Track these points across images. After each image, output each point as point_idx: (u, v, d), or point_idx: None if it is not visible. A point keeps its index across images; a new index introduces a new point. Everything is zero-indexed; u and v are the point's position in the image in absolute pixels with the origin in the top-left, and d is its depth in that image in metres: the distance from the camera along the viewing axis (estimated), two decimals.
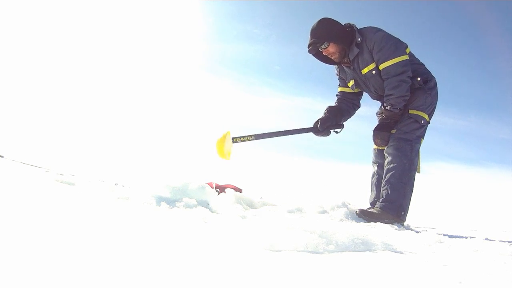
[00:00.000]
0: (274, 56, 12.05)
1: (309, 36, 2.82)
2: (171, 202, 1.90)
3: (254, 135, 2.92)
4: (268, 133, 2.97)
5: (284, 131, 2.99)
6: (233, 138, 2.84)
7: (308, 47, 2.84)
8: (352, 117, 3.19)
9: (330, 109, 3.09)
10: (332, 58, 2.91)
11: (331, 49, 2.84)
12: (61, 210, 1.35)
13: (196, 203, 1.96)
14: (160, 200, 1.90)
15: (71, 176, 2.63)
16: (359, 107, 3.19)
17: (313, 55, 2.92)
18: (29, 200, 1.45)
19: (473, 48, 10.53)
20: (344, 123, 3.12)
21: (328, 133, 3.06)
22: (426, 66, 2.92)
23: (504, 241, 1.87)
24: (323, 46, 2.82)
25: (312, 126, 3.03)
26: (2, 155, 3.22)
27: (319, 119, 3.03)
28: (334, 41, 2.79)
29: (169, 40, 11.14)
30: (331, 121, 3.04)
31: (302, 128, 3.03)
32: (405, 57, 2.71)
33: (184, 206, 1.87)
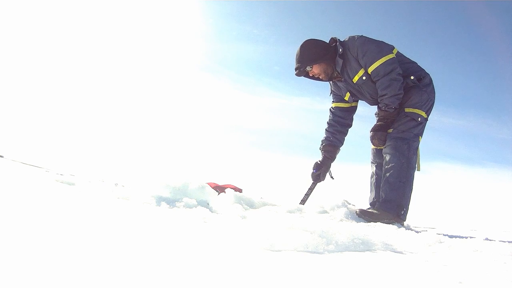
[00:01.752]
0: (274, 57, 12.08)
1: (295, 62, 2.92)
2: (171, 202, 1.90)
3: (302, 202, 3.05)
4: (304, 198, 3.07)
5: (306, 195, 3.09)
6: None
7: (295, 71, 2.93)
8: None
9: (327, 150, 3.16)
10: (320, 77, 2.98)
11: (315, 70, 2.92)
12: (61, 210, 1.35)
13: (196, 203, 1.96)
14: (160, 200, 1.90)
15: (71, 176, 2.63)
16: (351, 125, 3.25)
17: (303, 76, 2.99)
18: (29, 200, 1.45)
19: (472, 48, 10.54)
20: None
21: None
22: (418, 64, 2.92)
23: (504, 241, 1.87)
24: (307, 69, 2.90)
25: (313, 178, 3.13)
26: (2, 155, 3.22)
27: (319, 163, 3.13)
28: (315, 62, 2.87)
29: (169, 40, 11.15)
30: (329, 166, 3.15)
31: (311, 187, 3.12)
32: (391, 55, 2.73)
33: (184, 206, 1.87)
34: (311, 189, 3.10)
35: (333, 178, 3.18)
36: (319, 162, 3.15)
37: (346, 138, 3.23)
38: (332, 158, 3.17)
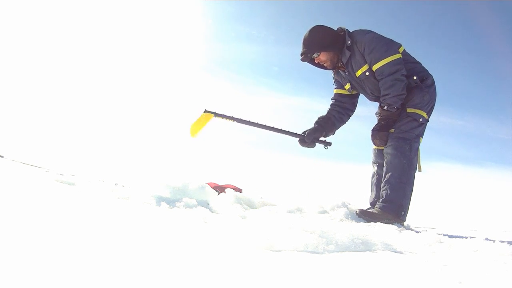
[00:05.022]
0: (273, 57, 12.07)
1: (301, 46, 2.87)
2: (171, 202, 1.90)
3: (237, 119, 2.93)
4: (253, 122, 2.95)
5: (271, 127, 2.98)
6: (214, 113, 2.89)
7: (300, 56, 2.88)
8: (345, 123, 3.16)
9: (319, 120, 3.08)
10: (325, 65, 2.95)
11: (322, 58, 2.88)
12: (61, 210, 1.35)
13: (196, 203, 1.96)
14: (160, 200, 1.90)
15: (71, 176, 2.62)
16: (353, 111, 3.17)
17: (307, 62, 2.95)
18: (29, 200, 1.45)
19: (471, 47, 10.54)
20: (331, 139, 3.10)
21: (313, 145, 3.04)
22: (422, 65, 2.91)
23: (504, 241, 1.86)
24: (314, 55, 2.86)
25: (300, 133, 3.01)
26: (2, 155, 3.22)
27: (307, 130, 3.03)
28: (324, 49, 2.83)
29: (168, 41, 11.15)
30: (319, 133, 3.03)
31: (290, 132, 3.01)
32: (398, 55, 2.71)
33: (184, 206, 1.87)
34: (288, 133, 2.96)
35: (325, 148, 3.04)
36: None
37: (347, 122, 3.13)
38: (320, 128, 3.02)
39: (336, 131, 3.14)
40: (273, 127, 2.99)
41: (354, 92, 3.13)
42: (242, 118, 2.95)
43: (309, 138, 2.99)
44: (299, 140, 3.05)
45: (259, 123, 2.97)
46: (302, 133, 3.02)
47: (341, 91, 3.15)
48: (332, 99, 3.19)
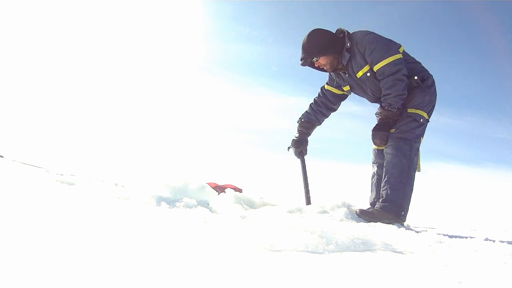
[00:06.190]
0: (272, 57, 12.09)
1: (301, 51, 2.91)
2: (171, 202, 1.90)
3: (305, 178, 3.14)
4: (306, 188, 3.12)
5: (304, 180, 3.16)
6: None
7: (300, 61, 2.93)
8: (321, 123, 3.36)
9: (305, 125, 3.27)
10: (325, 68, 2.98)
11: (322, 61, 2.92)
12: (61, 210, 1.35)
13: (196, 203, 1.96)
14: (160, 200, 1.90)
15: (71, 176, 2.63)
16: (335, 111, 3.32)
17: (308, 66, 2.99)
18: (29, 200, 1.45)
19: (471, 47, 10.55)
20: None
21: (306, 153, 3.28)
22: (422, 65, 2.91)
23: (504, 241, 1.86)
24: (314, 60, 2.89)
25: (297, 155, 3.24)
26: (2, 155, 3.22)
27: (298, 140, 3.23)
28: (323, 53, 2.86)
29: (168, 41, 11.17)
30: (307, 138, 3.29)
31: (303, 166, 3.21)
32: (399, 56, 2.71)
33: (184, 206, 1.87)
34: (305, 171, 3.17)
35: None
36: (296, 139, 3.26)
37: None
38: (309, 133, 3.28)
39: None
40: (305, 179, 3.17)
41: (346, 92, 3.19)
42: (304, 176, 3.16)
43: (306, 152, 3.25)
44: (297, 155, 3.25)
45: (305, 184, 3.14)
46: (299, 149, 3.22)
47: (334, 90, 3.20)
48: (322, 92, 3.28)
